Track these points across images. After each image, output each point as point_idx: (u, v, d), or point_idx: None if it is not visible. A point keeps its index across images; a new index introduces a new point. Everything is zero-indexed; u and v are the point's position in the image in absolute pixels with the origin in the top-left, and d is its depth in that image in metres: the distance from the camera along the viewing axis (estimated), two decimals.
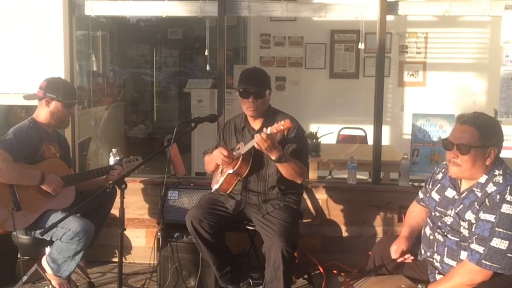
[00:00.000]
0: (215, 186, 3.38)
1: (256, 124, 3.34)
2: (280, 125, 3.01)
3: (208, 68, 5.04)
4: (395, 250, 2.66)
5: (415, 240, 2.73)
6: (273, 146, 3.04)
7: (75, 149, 4.22)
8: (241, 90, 3.21)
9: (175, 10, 4.09)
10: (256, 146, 3.07)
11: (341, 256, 3.94)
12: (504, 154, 2.52)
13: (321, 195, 4.02)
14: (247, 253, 3.62)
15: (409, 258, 2.68)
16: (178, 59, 9.85)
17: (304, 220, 3.77)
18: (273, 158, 3.09)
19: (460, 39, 6.37)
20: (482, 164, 2.42)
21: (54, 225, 2.93)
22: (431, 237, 2.59)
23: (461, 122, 2.46)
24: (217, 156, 3.25)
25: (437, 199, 2.62)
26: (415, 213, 2.85)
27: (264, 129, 3.07)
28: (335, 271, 3.92)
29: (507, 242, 2.30)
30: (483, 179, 2.44)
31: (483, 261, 2.33)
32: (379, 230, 4.00)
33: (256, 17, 6.40)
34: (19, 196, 3.18)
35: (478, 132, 2.40)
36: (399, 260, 2.67)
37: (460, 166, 2.44)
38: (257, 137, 3.04)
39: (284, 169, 3.17)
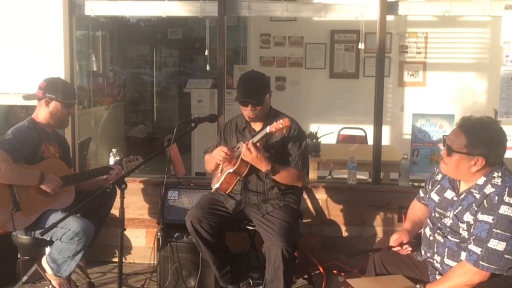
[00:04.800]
0: (215, 186, 3.38)
1: (257, 125, 3.34)
2: (279, 124, 3.04)
3: (208, 68, 5.04)
4: (394, 239, 2.67)
5: (416, 240, 2.72)
6: (259, 159, 3.08)
7: (75, 149, 4.22)
8: (239, 101, 3.23)
9: (175, 10, 4.09)
10: (242, 157, 3.10)
11: (341, 256, 3.93)
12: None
13: (321, 195, 4.02)
14: (247, 253, 3.62)
15: (406, 249, 2.67)
16: (178, 59, 9.83)
17: (304, 220, 3.77)
18: (263, 170, 3.13)
19: (460, 39, 6.36)
20: (467, 170, 2.44)
21: (54, 225, 2.92)
22: (431, 238, 2.59)
23: (457, 125, 2.50)
24: (218, 154, 3.26)
25: (437, 200, 2.62)
26: (416, 208, 2.86)
27: (251, 140, 3.10)
28: (335, 271, 3.93)
29: (505, 243, 2.30)
30: (481, 180, 2.44)
31: (480, 262, 2.33)
32: (379, 230, 4.01)
33: (256, 17, 6.40)
34: (19, 196, 3.17)
35: (467, 140, 2.41)
36: (396, 249, 2.67)
37: (446, 165, 2.51)
38: (243, 147, 3.07)
39: (279, 179, 3.21)
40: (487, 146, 2.40)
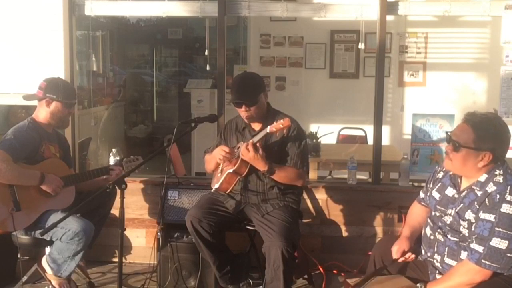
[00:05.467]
0: (215, 186, 3.38)
1: (256, 125, 3.34)
2: (280, 124, 3.04)
3: (208, 68, 5.05)
4: (396, 250, 2.66)
5: (416, 240, 2.72)
6: (257, 159, 3.09)
7: (75, 149, 4.23)
8: (232, 103, 3.24)
9: (175, 10, 4.09)
10: (241, 156, 3.11)
11: (341, 256, 3.94)
12: None
13: (321, 195, 4.02)
14: (247, 253, 3.62)
15: (410, 256, 2.67)
16: (178, 59, 9.83)
17: (304, 220, 3.77)
18: (261, 170, 3.14)
19: (460, 39, 6.36)
20: (474, 165, 2.43)
21: (54, 225, 2.93)
22: (432, 237, 2.59)
23: (464, 120, 2.48)
24: (218, 153, 3.27)
25: (438, 198, 2.62)
26: (416, 213, 2.85)
27: (251, 140, 3.10)
28: (335, 271, 3.93)
29: (507, 241, 2.30)
30: (483, 178, 2.44)
31: (482, 260, 2.33)
32: (379, 230, 4.00)
33: (256, 17, 6.40)
34: (19, 196, 3.17)
35: (474, 135, 2.40)
36: (400, 260, 2.67)
37: (451, 161, 2.49)
38: (242, 147, 3.08)
39: (277, 179, 3.21)
40: (495, 141, 2.40)
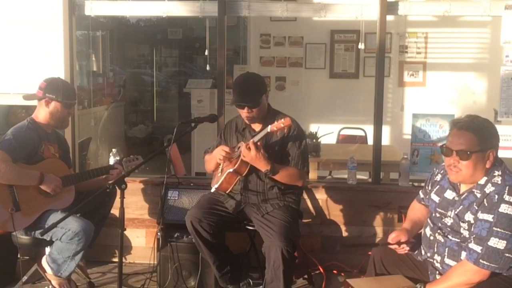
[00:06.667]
0: (215, 186, 3.38)
1: (256, 125, 3.34)
2: (280, 123, 3.05)
3: (208, 68, 5.04)
4: (393, 237, 2.67)
5: (416, 241, 2.73)
6: (258, 158, 3.08)
7: (75, 149, 4.23)
8: (235, 104, 3.24)
9: (175, 10, 4.09)
10: (242, 157, 3.11)
11: (341, 256, 3.94)
12: (504, 154, 2.52)
13: (321, 195, 4.02)
14: (247, 253, 3.62)
15: (404, 248, 2.67)
16: (178, 59, 9.84)
17: (304, 220, 3.77)
18: (263, 170, 3.14)
19: (460, 39, 6.36)
20: (483, 167, 2.43)
21: (54, 225, 2.92)
22: (432, 237, 2.59)
23: (458, 127, 2.45)
24: (218, 153, 3.27)
25: (437, 201, 2.62)
26: (416, 209, 2.86)
27: (252, 140, 3.11)
28: (335, 271, 3.93)
29: (505, 241, 2.30)
30: (482, 180, 2.44)
31: (480, 260, 2.33)
32: (379, 230, 4.00)
33: (256, 17, 6.40)
34: (19, 196, 3.17)
35: (476, 137, 2.40)
36: (393, 247, 2.67)
37: (461, 171, 2.44)
38: (242, 146, 3.08)
39: (279, 179, 3.21)
40: (494, 137, 2.42)
